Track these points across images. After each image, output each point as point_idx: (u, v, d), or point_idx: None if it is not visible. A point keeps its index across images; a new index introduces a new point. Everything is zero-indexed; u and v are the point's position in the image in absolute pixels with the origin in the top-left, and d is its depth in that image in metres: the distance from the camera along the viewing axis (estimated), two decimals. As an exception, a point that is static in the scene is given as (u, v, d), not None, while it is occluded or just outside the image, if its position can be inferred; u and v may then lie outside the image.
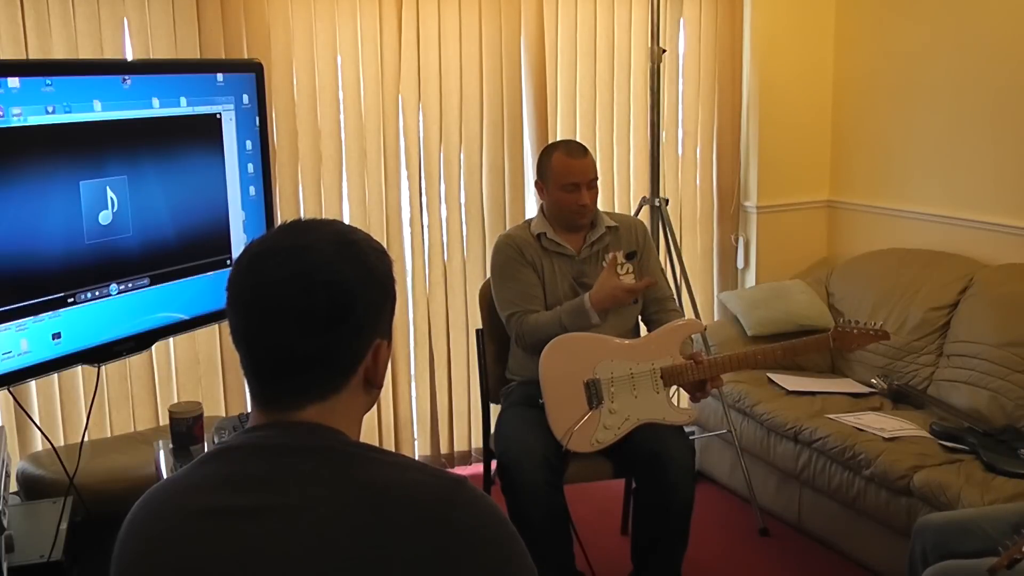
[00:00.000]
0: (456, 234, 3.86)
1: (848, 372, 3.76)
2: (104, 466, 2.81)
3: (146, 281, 2.64)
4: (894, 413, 3.33)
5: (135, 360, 3.27)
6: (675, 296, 3.34)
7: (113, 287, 2.56)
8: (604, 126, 4.06)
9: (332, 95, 3.58)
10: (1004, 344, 3.22)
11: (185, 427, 2.56)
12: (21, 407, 2.95)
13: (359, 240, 1.18)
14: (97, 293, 2.51)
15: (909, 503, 2.88)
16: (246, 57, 3.34)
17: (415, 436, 3.94)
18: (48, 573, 2.20)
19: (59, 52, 3.09)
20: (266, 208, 2.97)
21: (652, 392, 2.78)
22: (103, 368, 2.70)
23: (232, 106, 2.83)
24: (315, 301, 1.11)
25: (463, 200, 3.86)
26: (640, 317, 3.05)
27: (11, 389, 2.53)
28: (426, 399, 3.91)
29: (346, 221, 1.84)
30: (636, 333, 3.06)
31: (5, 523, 2.23)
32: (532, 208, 3.82)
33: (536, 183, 3.03)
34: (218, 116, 2.79)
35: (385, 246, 1.22)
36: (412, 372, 3.93)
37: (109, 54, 3.17)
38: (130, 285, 2.60)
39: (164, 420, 3.12)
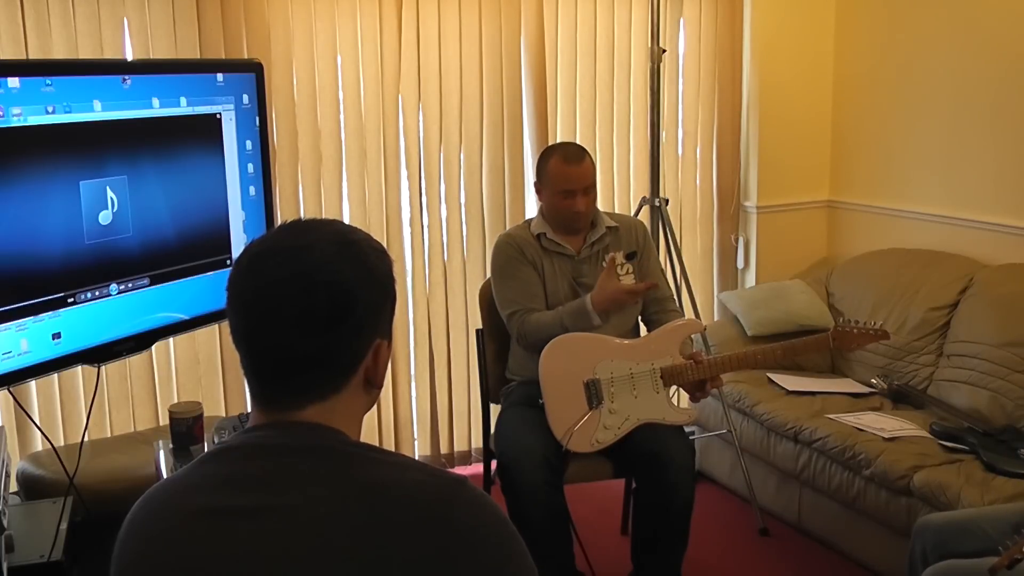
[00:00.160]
0: (456, 234, 3.86)
1: (848, 372, 3.76)
2: (104, 466, 2.81)
3: (146, 281, 2.64)
4: (894, 413, 3.33)
5: (135, 360, 3.27)
6: (675, 296, 3.34)
7: (113, 287, 2.56)
8: (604, 126, 4.06)
9: (332, 95, 3.58)
10: (1004, 344, 3.22)
11: (185, 427, 2.56)
12: (21, 407, 2.95)
13: (359, 240, 1.18)
14: (97, 293, 2.51)
15: (909, 503, 2.88)
16: (246, 57, 3.34)
17: (415, 436, 3.94)
18: (48, 573, 2.20)
19: (59, 52, 3.09)
20: (266, 208, 2.97)
21: (652, 392, 2.78)
22: (103, 368, 2.70)
23: (232, 106, 2.83)
24: (315, 301, 1.11)
25: (463, 200, 3.85)
26: (640, 317, 3.05)
27: (11, 389, 2.53)
28: (426, 399, 3.91)
29: (346, 221, 1.84)
30: (636, 333, 3.06)
31: (5, 523, 2.23)
32: (532, 208, 3.82)
33: (535, 184, 3.04)
34: (218, 116, 2.79)
35: (385, 246, 1.22)
36: (412, 372, 3.93)
37: (109, 54, 3.17)
38: (130, 285, 2.60)
39: (164, 420, 3.12)
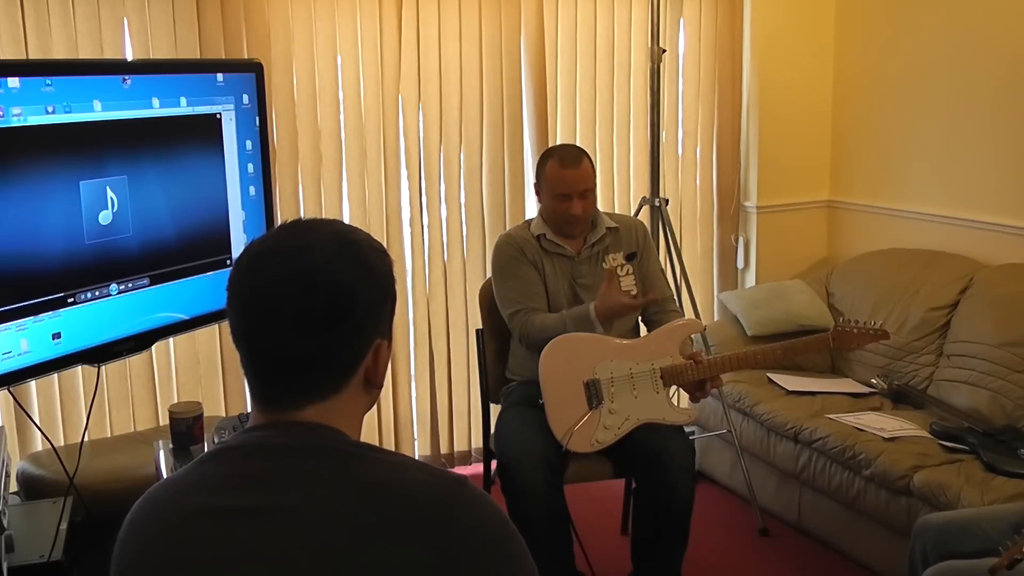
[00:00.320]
0: (456, 234, 3.86)
1: (848, 372, 3.76)
2: (104, 466, 2.81)
3: (146, 281, 2.64)
4: (894, 413, 3.33)
5: (135, 360, 3.27)
6: (675, 296, 3.34)
7: (113, 287, 2.55)
8: (604, 126, 4.06)
9: (332, 95, 3.58)
10: (1004, 344, 3.22)
11: (185, 427, 2.56)
12: (21, 407, 2.95)
13: (359, 240, 1.18)
14: (97, 293, 2.51)
15: (909, 503, 2.88)
16: (246, 57, 3.34)
17: (415, 436, 3.94)
18: (48, 573, 2.20)
19: (59, 52, 3.09)
20: (266, 208, 2.97)
21: (652, 392, 2.78)
22: (103, 368, 2.70)
23: (232, 106, 2.83)
24: (315, 301, 1.11)
25: (463, 200, 3.85)
26: (640, 318, 3.05)
27: (11, 389, 2.53)
28: (426, 399, 3.91)
29: (346, 221, 1.84)
30: (636, 333, 3.06)
31: (5, 523, 2.23)
32: (532, 209, 3.82)
33: (535, 186, 3.04)
34: (218, 116, 2.79)
35: (385, 246, 1.22)
36: (412, 372, 3.93)
37: (109, 54, 3.17)
38: (130, 285, 2.60)
39: (164, 420, 3.12)
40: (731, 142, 4.27)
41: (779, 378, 3.63)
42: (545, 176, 2.94)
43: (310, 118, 3.55)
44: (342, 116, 3.61)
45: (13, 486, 2.77)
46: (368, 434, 3.65)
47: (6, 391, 2.70)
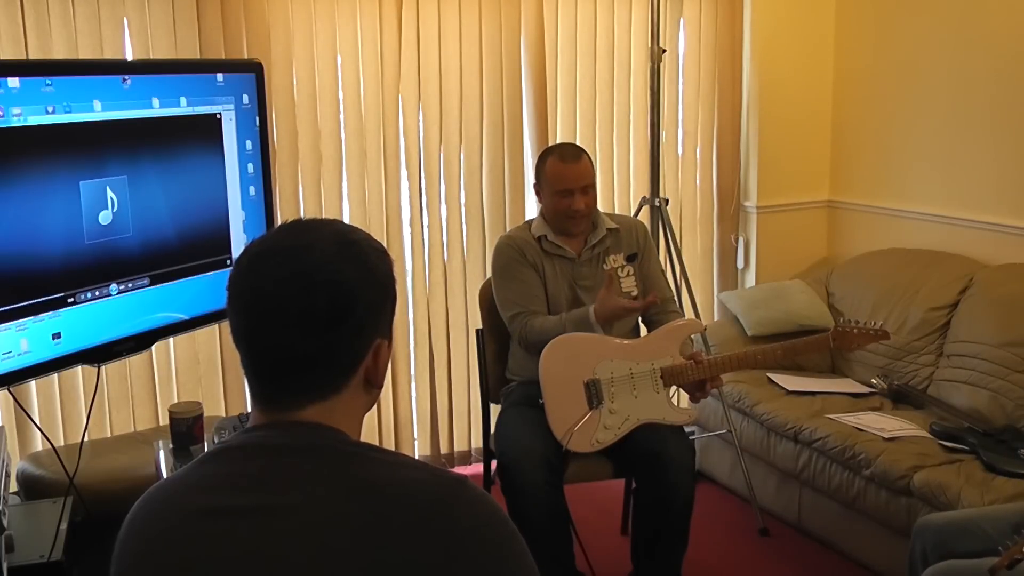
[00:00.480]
0: (456, 234, 3.86)
1: (848, 372, 3.76)
2: (104, 466, 2.81)
3: (146, 281, 2.64)
4: (894, 413, 3.33)
5: (135, 360, 3.27)
6: (675, 297, 3.34)
7: (113, 287, 2.55)
8: (604, 126, 4.06)
9: (332, 95, 3.58)
10: (1004, 344, 3.22)
11: (185, 427, 2.56)
12: (21, 407, 2.95)
13: (360, 240, 1.18)
14: (97, 293, 2.51)
15: (909, 503, 2.88)
16: (246, 57, 3.34)
17: (415, 436, 3.94)
18: (48, 573, 2.20)
19: (59, 52, 3.09)
20: (266, 208, 2.97)
21: (652, 392, 2.78)
22: (103, 368, 2.70)
23: (232, 106, 2.83)
24: (315, 301, 1.11)
25: (463, 200, 3.85)
26: (640, 318, 3.05)
27: (11, 389, 2.53)
28: (426, 399, 3.91)
29: (346, 221, 1.83)
30: (636, 334, 3.06)
31: (5, 523, 2.23)
32: (532, 209, 3.82)
33: (534, 187, 3.04)
34: (218, 116, 2.79)
35: (385, 246, 1.22)
36: (412, 372, 3.93)
37: (109, 54, 3.17)
38: (130, 285, 2.60)
39: (164, 420, 3.12)
40: (731, 142, 4.27)
41: (779, 378, 3.63)
42: (545, 174, 2.93)
43: (310, 118, 3.55)
44: (342, 116, 3.61)
45: (13, 486, 2.77)
46: (368, 434, 3.65)
47: (6, 391, 2.70)
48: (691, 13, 4.12)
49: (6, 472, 2.42)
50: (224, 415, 3.37)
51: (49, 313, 2.39)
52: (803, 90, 4.28)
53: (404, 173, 3.75)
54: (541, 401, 2.76)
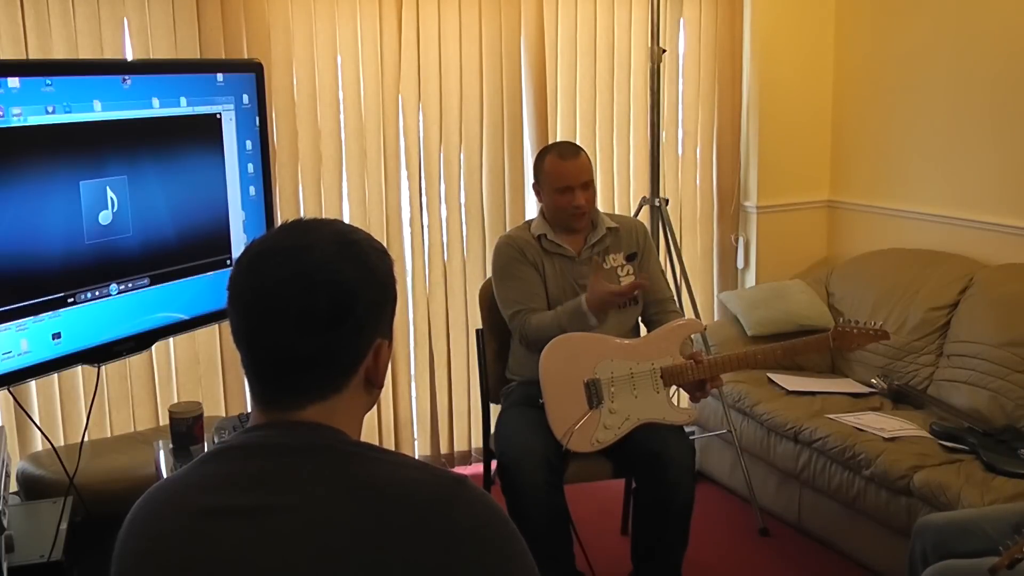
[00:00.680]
0: (456, 234, 3.86)
1: (848, 372, 3.76)
2: (104, 466, 2.81)
3: (146, 281, 2.64)
4: (894, 413, 3.33)
5: (135, 360, 3.27)
6: (675, 297, 3.34)
7: (113, 287, 2.55)
8: (604, 126, 4.06)
9: (332, 95, 3.58)
10: (1004, 344, 3.22)
11: (185, 427, 2.56)
12: (21, 407, 2.95)
13: (360, 240, 1.18)
14: (97, 293, 2.51)
15: (909, 503, 2.88)
16: (246, 57, 3.34)
17: (415, 436, 3.94)
18: (48, 573, 2.20)
19: (59, 52, 3.09)
20: (266, 208, 2.97)
21: (652, 392, 2.78)
22: (103, 368, 2.70)
23: (232, 106, 2.83)
24: (316, 301, 1.11)
25: (463, 200, 3.85)
26: (640, 318, 3.05)
27: (11, 389, 2.53)
28: (426, 399, 3.91)
29: (346, 221, 1.82)
30: (636, 333, 3.06)
31: (5, 523, 2.23)
32: (532, 209, 3.82)
33: (533, 186, 3.04)
34: (218, 116, 2.79)
35: (385, 246, 1.22)
36: (412, 372, 3.93)
37: (109, 54, 3.17)
38: (130, 285, 2.60)
39: (164, 420, 3.12)
40: (731, 142, 4.27)
41: (779, 378, 3.63)
42: (545, 172, 2.94)
43: (310, 118, 3.55)
44: (342, 116, 3.61)
45: (13, 486, 2.77)
46: (368, 434, 3.65)
47: (6, 391, 2.70)
48: (691, 13, 4.12)
49: (6, 472, 2.42)
50: (224, 415, 3.37)
51: (49, 313, 2.39)
52: (803, 90, 4.28)
53: (404, 173, 3.75)
54: (541, 401, 2.76)
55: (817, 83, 4.30)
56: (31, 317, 2.35)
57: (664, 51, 3.70)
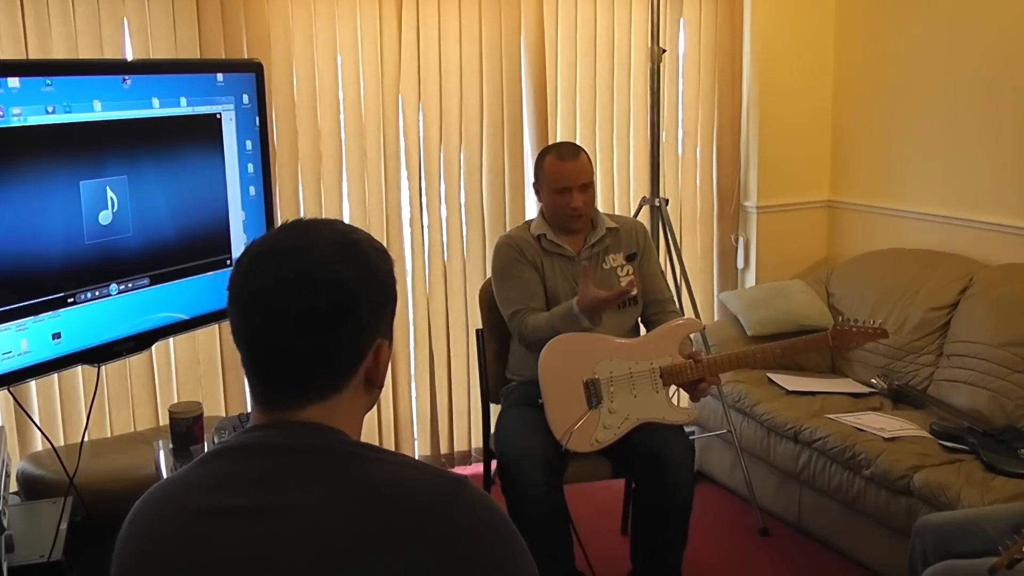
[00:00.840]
0: (456, 234, 3.86)
1: (848, 372, 3.76)
2: (104, 466, 2.81)
3: (146, 281, 2.64)
4: (894, 413, 3.33)
5: (135, 360, 3.27)
6: (675, 298, 3.33)
7: (113, 287, 2.55)
8: (604, 126, 4.06)
9: (332, 95, 3.58)
10: (1004, 344, 3.22)
11: (185, 427, 2.56)
12: (21, 407, 2.95)
13: (360, 240, 1.18)
14: (97, 293, 2.51)
15: (909, 503, 2.88)
16: (246, 57, 3.34)
17: (415, 436, 3.94)
18: (48, 573, 2.20)
19: (59, 52, 3.09)
20: (266, 208, 2.97)
21: (651, 392, 2.78)
22: (103, 368, 2.70)
23: (232, 106, 2.83)
24: (316, 301, 1.11)
25: (463, 200, 3.86)
26: (640, 319, 3.05)
27: (11, 389, 2.53)
28: (426, 399, 3.91)
29: (346, 221, 1.82)
30: (636, 334, 3.05)
31: (5, 523, 2.23)
32: (532, 209, 3.82)
33: (533, 185, 3.04)
34: (218, 116, 2.79)
35: (385, 246, 1.22)
36: (412, 372, 3.93)
37: (109, 54, 3.17)
38: (130, 285, 2.60)
39: (164, 420, 3.12)
40: (731, 142, 4.27)
41: (779, 378, 3.63)
42: (544, 171, 2.94)
43: (310, 118, 3.55)
44: (342, 116, 3.61)
45: (13, 486, 2.77)
46: (368, 434, 3.65)
47: (6, 391, 2.70)
48: (691, 13, 4.12)
49: (6, 472, 2.42)
50: (224, 415, 3.37)
51: (49, 313, 2.39)
52: (803, 90, 4.28)
53: (404, 173, 3.75)
54: (540, 401, 2.76)
55: (817, 83, 4.30)
56: (31, 317, 2.35)
57: (664, 51, 3.70)
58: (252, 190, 2.92)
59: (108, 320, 2.55)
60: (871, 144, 4.18)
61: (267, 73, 3.18)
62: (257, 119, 2.91)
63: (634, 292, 2.93)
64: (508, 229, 3.50)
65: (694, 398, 2.89)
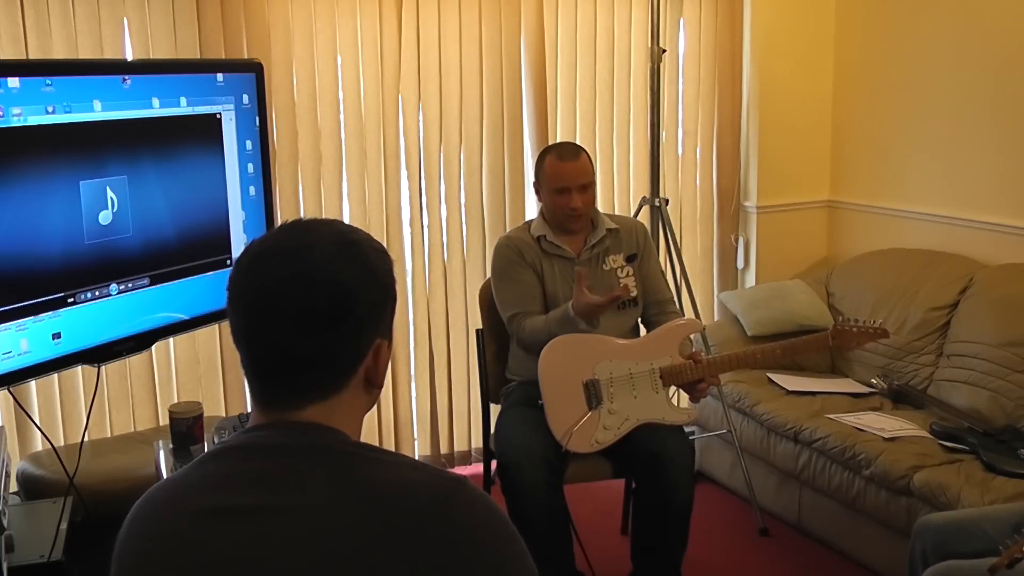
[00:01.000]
0: (456, 234, 3.86)
1: (848, 372, 3.76)
2: (104, 466, 2.81)
3: (146, 281, 2.64)
4: (894, 413, 3.33)
5: (135, 360, 3.27)
6: (675, 298, 3.33)
7: (113, 287, 2.55)
8: (604, 126, 4.06)
9: (332, 95, 3.58)
10: (1004, 344, 3.22)
11: (185, 427, 2.56)
12: (21, 407, 2.95)
13: (360, 240, 1.18)
14: (97, 293, 2.51)
15: (909, 503, 2.88)
16: (246, 57, 3.34)
17: (415, 436, 3.94)
18: (48, 573, 2.20)
19: (59, 52, 3.09)
20: (266, 208, 2.97)
21: (651, 392, 2.78)
22: (103, 368, 2.70)
23: (232, 106, 2.83)
24: (316, 301, 1.11)
25: (463, 200, 3.85)
26: (640, 319, 3.05)
27: (11, 389, 2.53)
28: (426, 399, 3.91)
29: (346, 221, 1.83)
30: (636, 334, 3.05)
31: (5, 523, 2.23)
32: (532, 209, 3.82)
33: (534, 185, 3.04)
34: (218, 116, 2.79)
35: (385, 246, 1.22)
36: (412, 372, 3.93)
37: (109, 54, 3.17)
38: (130, 285, 2.60)
39: (164, 420, 3.12)
40: (731, 142, 4.27)
41: (779, 378, 3.63)
42: (544, 171, 2.94)
43: (310, 118, 3.55)
44: (342, 116, 3.61)
45: (13, 486, 2.77)
46: (368, 434, 3.65)
47: (6, 391, 2.70)
48: (691, 13, 4.12)
49: (6, 472, 2.42)
50: (224, 415, 3.37)
51: (49, 313, 2.39)
52: (803, 90, 4.28)
53: (404, 173, 3.75)
54: (541, 401, 2.76)
55: (817, 83, 4.30)
56: (31, 317, 2.35)
57: (664, 51, 3.70)
58: (252, 190, 2.92)
59: (108, 320, 2.55)
60: (871, 144, 4.18)
61: (267, 73, 3.18)
62: (257, 119, 2.91)
63: (633, 294, 2.94)
64: (508, 229, 3.50)
65: (694, 398, 2.89)
